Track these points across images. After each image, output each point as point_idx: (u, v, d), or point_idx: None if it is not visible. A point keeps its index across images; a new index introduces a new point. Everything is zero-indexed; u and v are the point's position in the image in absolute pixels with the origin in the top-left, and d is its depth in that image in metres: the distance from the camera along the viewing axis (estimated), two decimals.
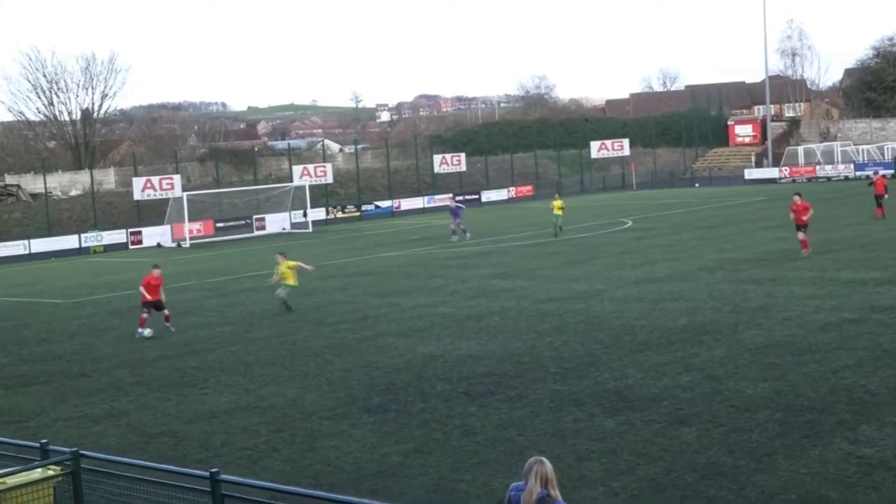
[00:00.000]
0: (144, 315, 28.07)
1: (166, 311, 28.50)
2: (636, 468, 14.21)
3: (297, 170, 75.28)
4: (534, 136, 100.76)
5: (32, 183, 76.83)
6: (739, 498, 12.87)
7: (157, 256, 55.20)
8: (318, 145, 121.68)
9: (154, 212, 68.95)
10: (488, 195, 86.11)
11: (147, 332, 27.67)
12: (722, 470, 13.89)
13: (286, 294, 30.59)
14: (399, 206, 79.98)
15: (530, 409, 17.71)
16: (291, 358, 23.62)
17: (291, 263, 31.20)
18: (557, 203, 50.70)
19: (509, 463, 14.41)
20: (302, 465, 15.38)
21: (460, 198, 65.52)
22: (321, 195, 77.37)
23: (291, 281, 30.82)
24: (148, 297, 28.23)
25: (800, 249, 35.81)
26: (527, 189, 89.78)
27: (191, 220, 64.28)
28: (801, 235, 36.20)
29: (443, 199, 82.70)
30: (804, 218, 36.36)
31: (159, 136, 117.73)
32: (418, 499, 13.42)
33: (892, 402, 16.60)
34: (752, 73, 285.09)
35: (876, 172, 64.30)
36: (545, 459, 8.53)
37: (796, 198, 37.23)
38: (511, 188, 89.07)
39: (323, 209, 75.35)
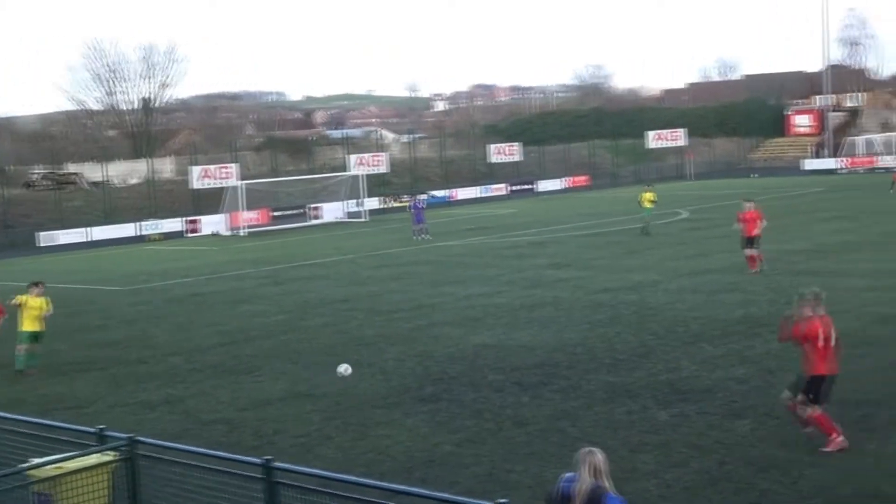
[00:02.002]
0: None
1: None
2: (690, 460, 14.13)
3: (352, 159, 75.39)
4: (590, 125, 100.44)
5: (92, 171, 77.66)
6: (792, 491, 12.75)
7: (214, 244, 55.76)
8: (374, 134, 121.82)
9: (211, 200, 69.41)
10: (544, 185, 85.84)
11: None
12: (776, 463, 13.77)
13: (26, 347, 22.35)
14: (454, 196, 79.92)
15: (583, 399, 17.66)
16: (344, 346, 23.71)
17: (43, 302, 22.57)
18: (648, 195, 45.51)
19: (561, 454, 14.36)
20: (354, 454, 15.44)
21: (424, 197, 63.78)
22: (376, 184, 77.46)
23: (36, 326, 22.39)
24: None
25: (746, 268, 30.76)
26: (583, 179, 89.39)
27: (247, 208, 64.71)
28: (748, 252, 30.84)
29: (500, 189, 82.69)
30: (754, 230, 30.82)
31: (217, 125, 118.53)
32: (470, 488, 13.42)
33: None
34: (812, 63, 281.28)
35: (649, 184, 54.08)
36: (597, 450, 8.51)
37: (747, 205, 31.60)
38: (567, 178, 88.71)
39: (378, 198, 75.52)
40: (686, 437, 15.12)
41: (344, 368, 17.65)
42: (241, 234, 62.58)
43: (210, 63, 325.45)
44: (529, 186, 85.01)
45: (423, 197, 62.49)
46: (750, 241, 30.76)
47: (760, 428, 15.36)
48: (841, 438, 14.02)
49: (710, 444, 14.79)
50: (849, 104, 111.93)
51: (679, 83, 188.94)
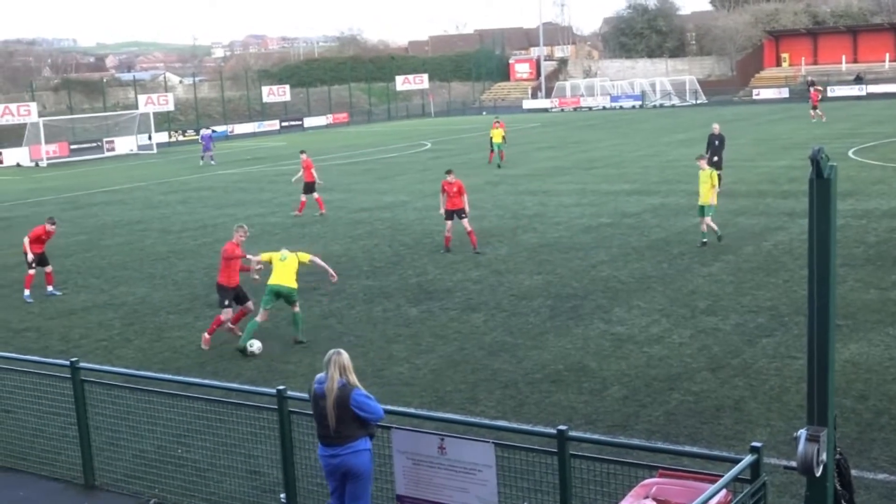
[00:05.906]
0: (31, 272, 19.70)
1: (48, 268, 20.03)
2: (435, 348, 14.46)
3: (142, 98, 72.42)
4: (348, 70, 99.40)
5: None
6: (518, 369, 13.27)
7: (16, 174, 52.53)
8: (161, 77, 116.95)
9: (13, 135, 65.22)
10: (310, 122, 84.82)
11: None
12: (504, 347, 14.28)
13: None
14: (233, 131, 77.94)
15: (347, 301, 17.77)
16: (140, 262, 22.96)
17: None
18: (499, 132, 40.60)
19: (329, 346, 14.37)
20: (152, 353, 15.07)
21: (214, 129, 64.51)
22: (164, 121, 74.79)
23: None
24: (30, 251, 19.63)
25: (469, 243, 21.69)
26: (343, 116, 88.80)
27: (47, 142, 61.08)
28: (465, 225, 21.54)
29: (272, 125, 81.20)
30: (459, 202, 21.60)
31: (16, 67, 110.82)
32: (253, 378, 13.34)
33: (638, 289, 17.34)
34: (530, 20, 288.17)
35: (497, 118, 47.41)
36: (342, 350, 8.08)
37: (449, 176, 22.15)
38: (329, 115, 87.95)
39: (166, 133, 72.86)
40: (432, 329, 15.46)
41: (257, 347, 14.00)
42: (42, 164, 59.13)
43: (7, 10, 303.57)
44: (298, 123, 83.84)
45: (212, 129, 61.78)
46: (458, 214, 21.87)
47: (491, 319, 15.86)
48: (208, 337, 15.21)
49: (451, 333, 15.17)
50: (559, 55, 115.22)
51: (422, 36, 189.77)
